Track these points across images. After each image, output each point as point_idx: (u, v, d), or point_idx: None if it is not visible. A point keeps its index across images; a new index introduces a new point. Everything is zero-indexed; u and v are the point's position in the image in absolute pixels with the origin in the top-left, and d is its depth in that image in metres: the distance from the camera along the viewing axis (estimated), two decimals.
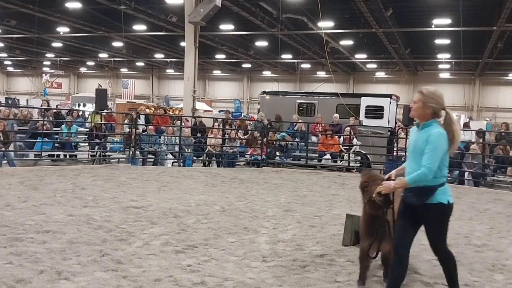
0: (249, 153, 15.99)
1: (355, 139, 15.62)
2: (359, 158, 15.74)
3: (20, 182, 9.69)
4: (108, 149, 15.33)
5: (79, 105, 32.23)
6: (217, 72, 48.93)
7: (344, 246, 6.10)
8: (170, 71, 48.39)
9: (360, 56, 34.53)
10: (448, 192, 3.97)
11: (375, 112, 16.83)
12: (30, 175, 10.74)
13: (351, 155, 15.59)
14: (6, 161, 12.27)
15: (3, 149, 12.42)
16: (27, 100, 40.45)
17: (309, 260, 5.48)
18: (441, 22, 23.36)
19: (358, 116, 16.75)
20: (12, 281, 4.27)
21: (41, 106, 17.55)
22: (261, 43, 32.17)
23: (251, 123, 17.98)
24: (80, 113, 19.74)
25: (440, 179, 3.92)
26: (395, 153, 14.90)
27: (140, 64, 47.39)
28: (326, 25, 23.07)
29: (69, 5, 23.71)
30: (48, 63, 49.41)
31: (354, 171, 15.11)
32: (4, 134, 12.60)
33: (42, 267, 4.69)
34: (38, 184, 9.46)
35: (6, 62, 51.84)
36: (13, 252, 5.09)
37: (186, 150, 15.70)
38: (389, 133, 15.81)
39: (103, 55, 42.28)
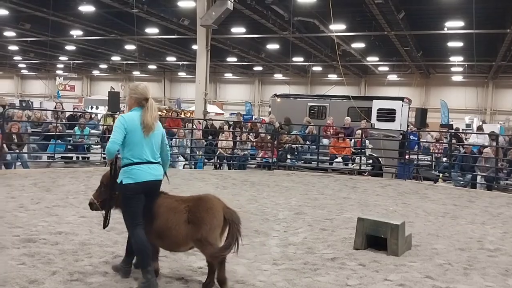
0: (260, 155, 15.99)
1: (367, 142, 15.55)
2: (370, 161, 15.65)
3: (33, 183, 9.81)
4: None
5: (91, 108, 32.53)
6: (228, 75, 49.07)
7: (355, 249, 6.08)
8: (182, 74, 48.63)
9: (372, 59, 34.40)
10: (131, 174, 4.35)
11: (387, 115, 16.72)
12: (43, 176, 10.86)
13: (362, 158, 15.52)
14: (19, 163, 12.41)
15: (17, 151, 12.58)
16: (40, 102, 40.90)
17: (320, 263, 5.46)
18: (453, 24, 23.18)
19: (369, 119, 16.66)
20: (25, 281, 4.32)
21: (55, 108, 17.69)
22: (273, 46, 32.19)
23: (262, 126, 17.97)
24: (93, 115, 19.92)
25: (125, 159, 4.39)
26: (407, 156, 14.80)
27: (152, 67, 47.70)
28: (337, 28, 23.01)
29: (83, 8, 23.96)
30: (61, 66, 49.94)
31: (366, 174, 15.03)
32: (18, 136, 12.76)
33: (55, 268, 4.74)
34: (51, 185, 9.56)
35: (20, 65, 52.48)
36: (26, 253, 5.15)
37: (197, 152, 15.74)
38: (401, 136, 15.71)
39: (115, 58, 42.63)
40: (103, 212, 4.64)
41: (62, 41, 33.95)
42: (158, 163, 4.59)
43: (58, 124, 14.58)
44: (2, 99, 28.48)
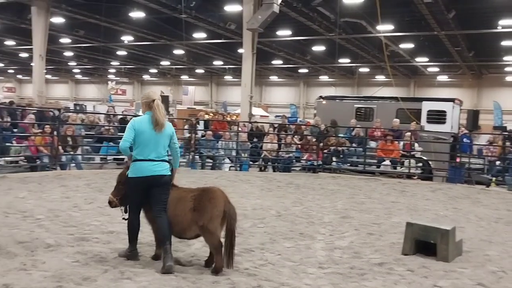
0: (305, 158, 15.93)
1: (416, 144, 15.17)
2: (420, 164, 15.26)
3: (87, 184, 10.20)
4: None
5: (142, 111, 33.38)
6: (273, 78, 49.16)
7: (403, 255, 5.95)
8: (228, 78, 49.16)
9: (421, 60, 33.54)
10: (134, 169, 5.04)
11: (438, 117, 16.28)
12: (96, 177, 11.27)
13: (412, 161, 15.15)
14: (74, 164, 12.95)
15: (72, 152, 13.13)
16: (93, 106, 42.56)
17: (367, 268, 5.39)
18: (508, 23, 22.22)
19: (419, 121, 16.27)
20: (79, 278, 4.49)
21: (108, 112, 18.35)
22: (318, 48, 32.01)
23: (307, 128, 17.90)
24: None
25: (134, 157, 5.07)
26: (458, 160, 14.33)
27: (200, 71, 48.50)
28: (385, 28, 22.61)
29: (133, 14, 24.74)
30: (113, 70, 51.71)
31: (415, 178, 14.66)
32: (73, 138, 13.31)
33: (107, 266, 4.90)
34: (104, 186, 9.89)
35: (74, 70, 54.74)
36: (79, 251, 5.36)
37: (242, 155, 15.88)
38: (452, 139, 15.22)
39: (165, 63, 43.68)
40: (122, 208, 5.23)
41: (114, 46, 35.17)
42: (162, 161, 5.16)
43: (110, 127, 15.11)
44: (57, 103, 29.84)
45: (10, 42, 35.23)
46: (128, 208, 5.19)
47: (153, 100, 5.12)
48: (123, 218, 5.22)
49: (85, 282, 4.43)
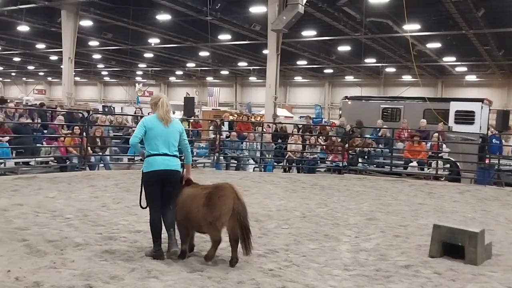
0: (330, 159, 15.84)
1: (444, 145, 14.92)
2: (448, 166, 14.98)
3: (115, 184, 10.39)
4: (194, 154, 15.95)
5: None
6: (298, 78, 49.01)
7: (430, 257, 5.87)
8: (252, 79, 49.26)
9: (449, 59, 32.91)
10: (148, 164, 5.37)
11: (466, 117, 15.96)
12: (124, 178, 11.46)
13: (439, 162, 14.89)
14: (102, 165, 13.19)
15: (100, 153, 13.38)
16: (121, 107, 43.23)
17: (393, 270, 5.33)
18: None
19: (447, 122, 15.98)
20: (107, 277, 4.58)
21: (135, 113, 18.64)
22: (344, 48, 31.76)
23: (332, 129, 17.79)
24: None
25: (147, 152, 5.43)
26: (487, 161, 14.02)
27: (224, 72, 48.75)
28: (412, 27, 22.28)
29: (160, 17, 25.07)
30: (140, 72, 52.44)
31: (443, 179, 14.41)
32: (101, 139, 13.57)
33: (134, 265, 4.99)
34: (131, 186, 10.04)
35: (103, 73, 55.72)
36: (107, 250, 5.47)
37: (267, 155, 15.89)
38: (481, 140, 14.90)
39: (190, 65, 44.09)
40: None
41: (141, 49, 35.68)
42: (173, 156, 5.45)
43: None
44: (86, 104, 30.42)
45: (40, 46, 36.13)
46: (148, 205, 5.43)
47: (159, 99, 5.48)
48: (142, 207, 5.54)
49: (112, 281, 4.51)
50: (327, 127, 19.25)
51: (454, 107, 16.32)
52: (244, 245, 5.05)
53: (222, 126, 16.50)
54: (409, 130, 15.65)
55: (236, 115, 27.97)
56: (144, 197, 5.46)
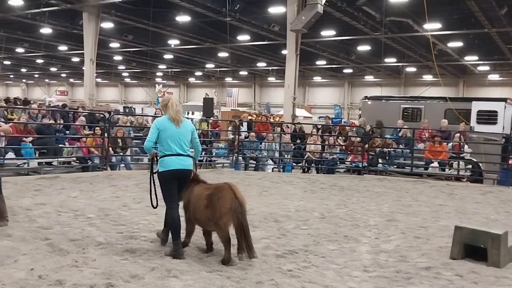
0: (349, 159, 15.74)
1: (465, 146, 14.68)
2: (470, 166, 14.74)
3: (136, 184, 10.49)
4: (213, 154, 16.03)
5: (188, 113, 34.12)
6: (317, 78, 48.82)
7: (452, 259, 5.79)
8: (271, 79, 49.26)
9: (471, 58, 32.41)
10: (163, 164, 5.50)
11: (488, 117, 15.68)
12: (145, 178, 11.44)
13: (461, 163, 14.67)
14: (123, 165, 13.35)
15: (121, 153, 13.54)
16: (142, 108, 43.70)
17: (414, 272, 5.28)
18: None
19: (469, 122, 15.74)
20: (127, 276, 4.63)
21: (155, 114, 18.81)
22: (364, 47, 31.54)
23: (352, 129, 17.68)
24: (189, 120, 20.83)
25: (161, 153, 5.58)
26: (510, 161, 13.75)
27: (243, 73, 48.87)
28: (432, 26, 22.00)
29: (179, 19, 25.27)
30: (160, 74, 52.94)
31: (464, 180, 14.19)
32: (123, 140, 13.74)
33: (154, 264, 5.03)
34: None
35: (124, 74, 56.41)
36: (128, 249, 5.53)
37: (285, 156, 15.87)
38: (504, 140, 14.62)
39: (209, 66, 44.32)
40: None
41: (161, 50, 36.02)
42: (187, 155, 5.62)
43: None
44: (107, 105, 30.83)
45: (63, 47, 36.76)
46: (165, 203, 5.66)
47: (169, 100, 5.71)
48: (153, 207, 5.92)
49: (133, 280, 4.56)
50: (346, 127, 19.13)
51: (476, 107, 16.05)
52: (244, 246, 5.15)
53: (241, 127, 16.53)
54: (430, 130, 15.46)
55: (254, 116, 27.99)
56: (162, 196, 5.64)
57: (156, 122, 5.64)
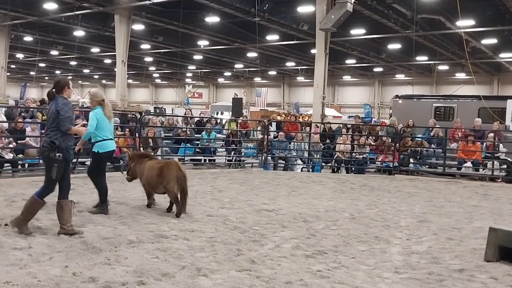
0: (380, 159, 15.54)
1: (500, 145, 14.30)
2: (505, 166, 14.34)
3: None
4: (243, 154, 16.11)
5: (217, 113, 34.37)
6: (346, 78, 48.41)
7: (486, 261, 5.64)
8: (300, 79, 49.12)
9: (506, 55, 31.52)
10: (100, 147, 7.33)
11: None
12: None
13: (495, 163, 14.28)
14: None
15: (152, 153, 13.73)
16: (172, 109, 44.29)
17: (446, 274, 5.17)
18: None
19: (503, 121, 15.31)
20: (158, 274, 4.69)
21: (185, 114, 19.03)
22: (394, 46, 31.12)
23: (382, 128, 17.45)
24: (218, 120, 21.03)
25: (98, 137, 7.26)
26: None
27: (272, 73, 48.90)
28: (465, 23, 21.54)
29: (209, 19, 25.50)
30: (190, 74, 53.53)
31: (499, 180, 13.81)
32: (153, 140, 13.96)
33: (184, 263, 5.08)
34: None
35: (154, 75, 57.28)
36: (159, 248, 5.60)
37: (315, 156, 15.80)
38: None
39: (238, 66, 44.54)
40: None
41: (191, 51, 36.42)
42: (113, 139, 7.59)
43: (187, 129, 15.68)
44: (139, 106, 31.35)
45: (95, 49, 37.63)
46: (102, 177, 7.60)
47: (103, 100, 7.23)
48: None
49: (164, 278, 4.62)
50: (376, 127, 18.90)
51: (511, 105, 15.62)
52: (182, 203, 7.29)
53: (270, 127, 16.54)
54: (463, 130, 15.12)
55: (284, 115, 27.99)
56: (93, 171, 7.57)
57: (96, 113, 7.09)
